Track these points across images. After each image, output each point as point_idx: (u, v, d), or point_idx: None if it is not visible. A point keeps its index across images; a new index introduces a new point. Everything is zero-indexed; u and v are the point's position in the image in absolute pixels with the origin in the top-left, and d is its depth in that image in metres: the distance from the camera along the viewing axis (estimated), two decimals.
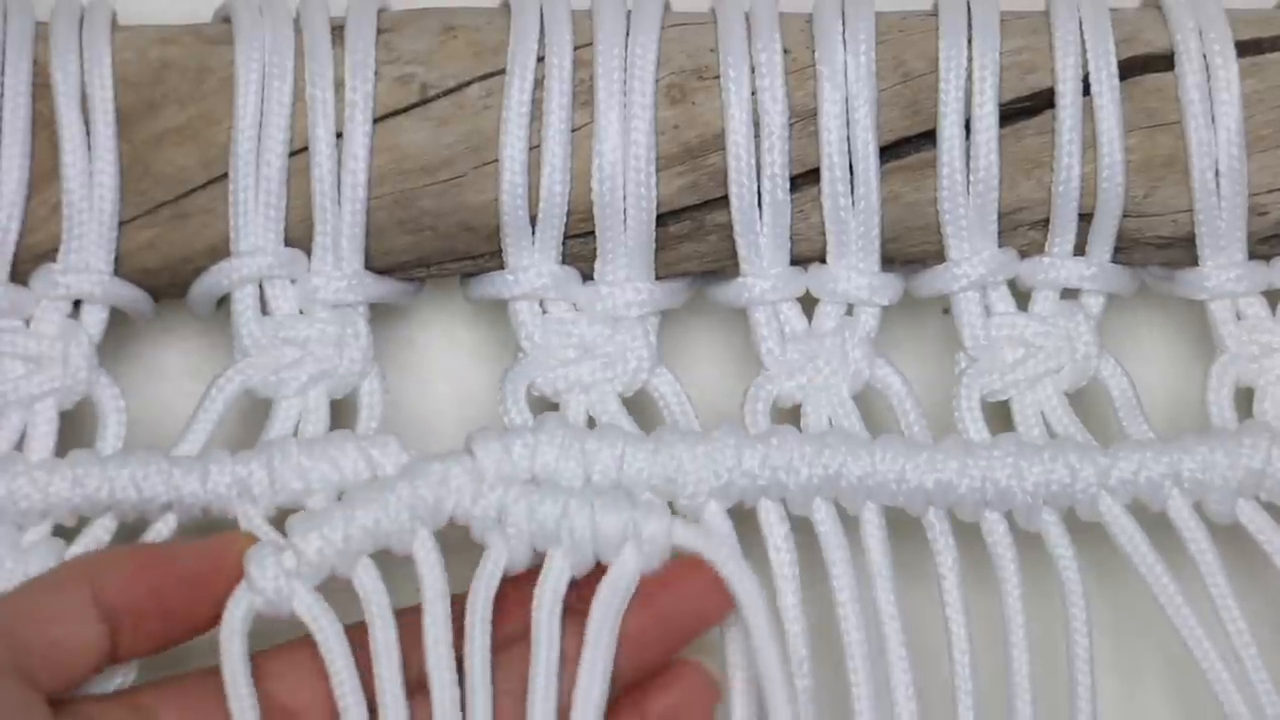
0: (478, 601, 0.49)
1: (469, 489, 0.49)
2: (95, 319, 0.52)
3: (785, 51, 0.53)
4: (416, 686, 0.49)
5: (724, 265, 0.53)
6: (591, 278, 0.53)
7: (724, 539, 0.49)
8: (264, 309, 0.52)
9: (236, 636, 0.48)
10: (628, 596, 0.49)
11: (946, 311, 0.54)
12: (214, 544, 0.49)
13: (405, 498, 0.49)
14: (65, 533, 0.50)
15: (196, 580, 0.48)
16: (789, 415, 0.53)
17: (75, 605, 0.47)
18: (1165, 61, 0.53)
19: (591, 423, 0.52)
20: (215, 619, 0.48)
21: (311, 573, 0.49)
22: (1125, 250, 0.54)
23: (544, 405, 0.52)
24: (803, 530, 0.51)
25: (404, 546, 0.49)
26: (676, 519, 0.49)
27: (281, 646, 0.49)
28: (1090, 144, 0.52)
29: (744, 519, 0.51)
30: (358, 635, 0.49)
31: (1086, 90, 0.53)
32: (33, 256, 0.51)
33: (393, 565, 0.49)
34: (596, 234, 0.52)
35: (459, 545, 0.50)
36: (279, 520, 0.50)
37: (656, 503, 0.50)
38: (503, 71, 0.52)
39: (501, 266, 0.53)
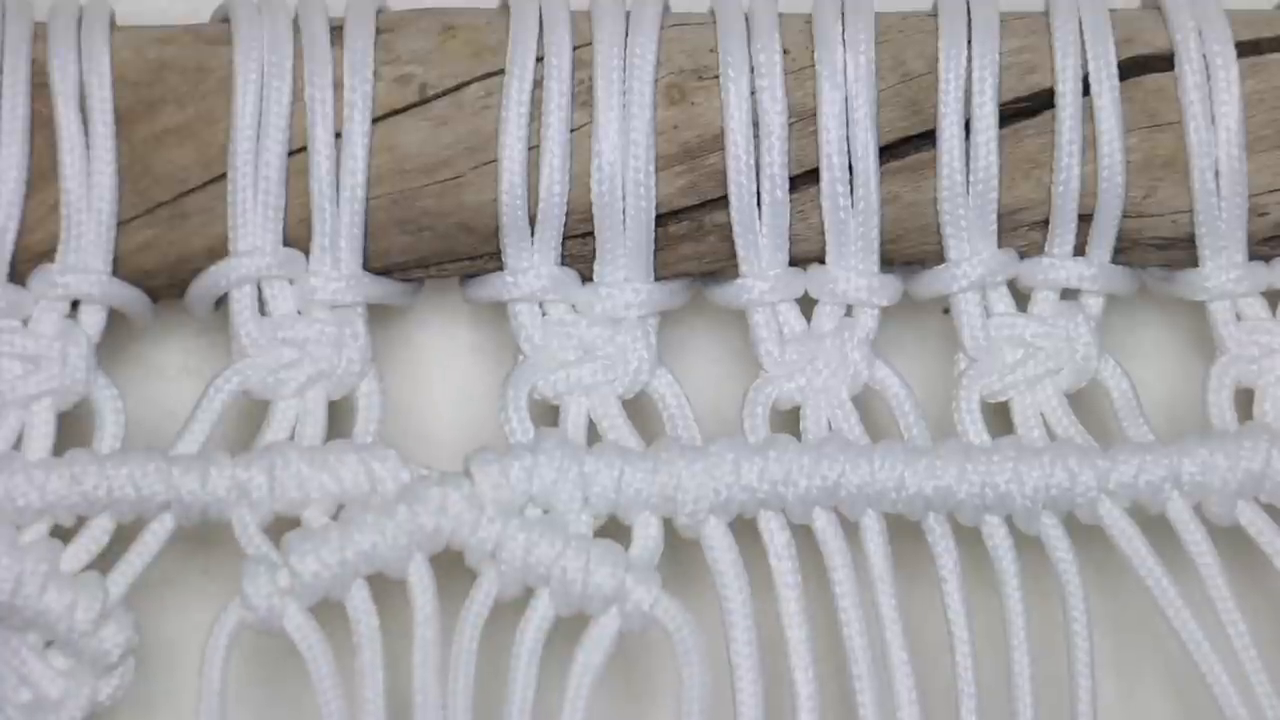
0: (465, 631, 0.49)
1: (468, 517, 0.50)
2: (93, 319, 0.52)
3: (785, 51, 0.52)
4: None
5: (723, 266, 0.53)
6: (590, 279, 0.53)
7: (692, 627, 0.50)
8: (262, 309, 0.52)
9: (221, 651, 0.48)
10: (607, 657, 0.49)
11: (946, 312, 0.54)
12: None
13: (404, 523, 0.49)
14: (63, 534, 0.50)
15: None
16: (788, 417, 0.53)
17: None
18: (1165, 61, 0.53)
19: (592, 426, 0.52)
20: None
21: (305, 593, 0.49)
22: (1125, 251, 0.54)
23: (544, 407, 0.52)
24: (803, 536, 0.51)
25: (399, 571, 0.49)
26: (663, 596, 0.49)
27: None
28: (1090, 144, 0.52)
29: (745, 526, 0.51)
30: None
31: (1086, 90, 0.53)
32: (31, 256, 0.51)
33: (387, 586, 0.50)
34: (595, 234, 0.52)
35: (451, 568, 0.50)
36: (273, 526, 0.50)
37: (650, 562, 0.50)
38: (502, 71, 0.52)
39: (500, 267, 0.53)
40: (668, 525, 0.51)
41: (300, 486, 0.50)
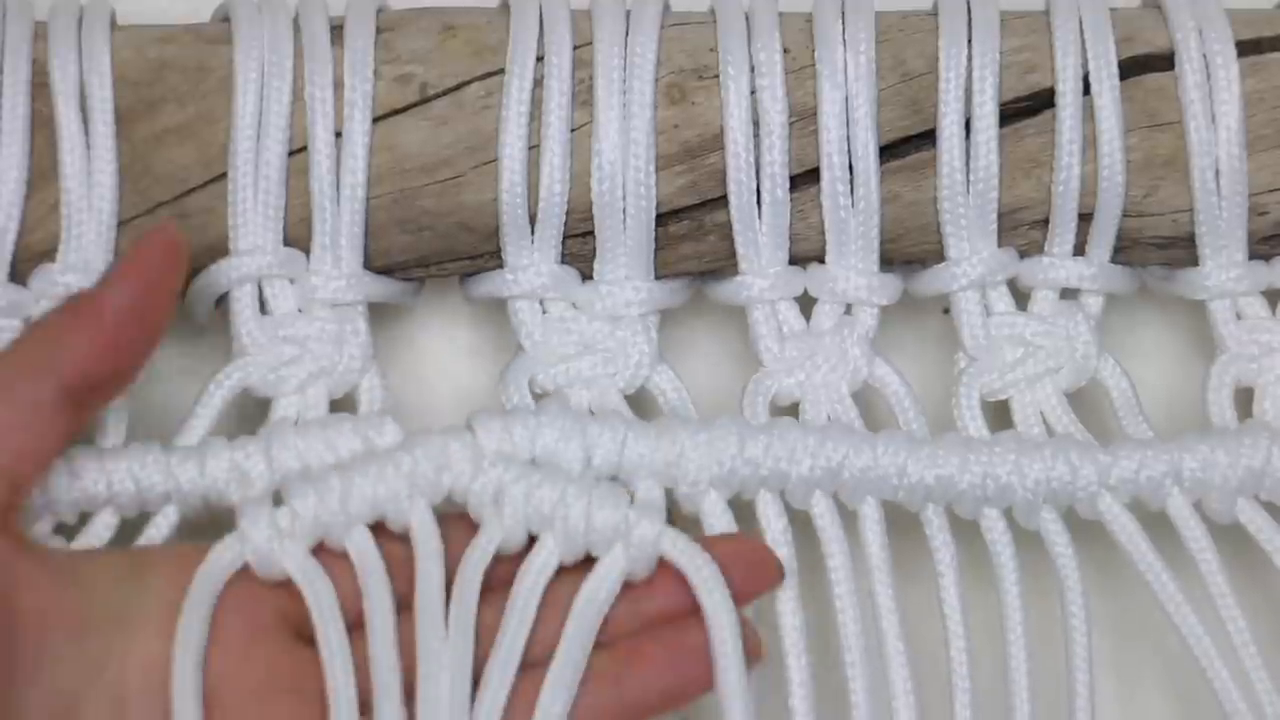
0: (467, 572, 0.49)
1: (469, 465, 0.49)
2: None
3: (785, 51, 0.53)
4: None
5: (723, 265, 0.53)
6: (590, 277, 0.53)
7: (708, 558, 0.49)
8: (263, 308, 0.52)
9: (210, 581, 0.48)
10: (612, 594, 0.49)
11: (947, 311, 0.54)
12: (136, 255, 0.48)
13: (405, 469, 0.49)
14: (67, 531, 0.50)
15: (144, 310, 0.48)
16: (788, 414, 0.53)
17: (35, 404, 0.47)
18: (1165, 61, 0.53)
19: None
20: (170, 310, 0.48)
21: (305, 533, 0.49)
22: (1125, 250, 0.54)
23: None
24: (801, 524, 0.51)
25: (400, 517, 0.49)
26: (668, 529, 0.49)
27: None
28: (1090, 143, 0.52)
29: (742, 515, 0.51)
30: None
31: (1087, 89, 0.53)
32: (32, 256, 0.51)
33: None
34: (596, 233, 0.52)
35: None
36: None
37: (653, 506, 0.50)
38: (502, 71, 0.52)
39: (501, 266, 0.53)
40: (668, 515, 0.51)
41: (298, 459, 0.50)
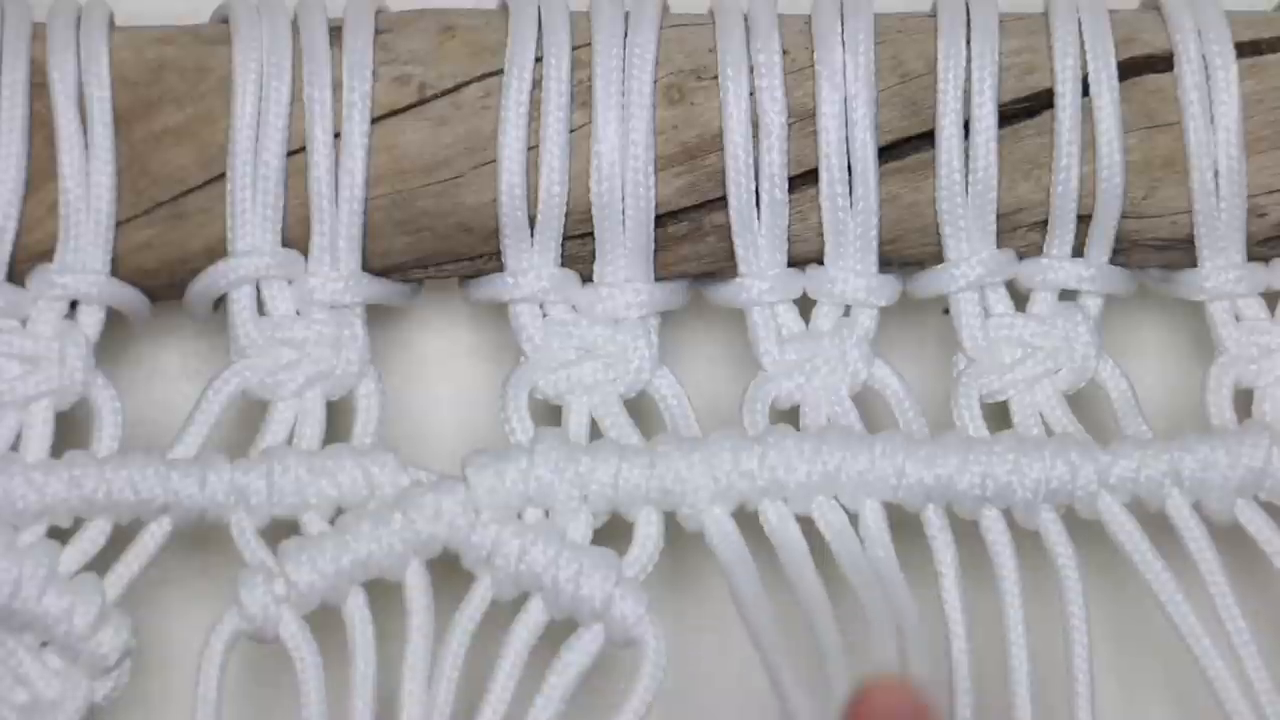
0: (456, 632, 0.49)
1: (463, 521, 0.50)
2: (92, 319, 0.52)
3: (784, 52, 0.52)
4: None
5: (722, 267, 0.53)
6: (590, 279, 0.53)
7: (663, 649, 0.49)
8: (261, 310, 0.52)
9: (217, 659, 0.48)
10: (591, 662, 0.49)
11: (946, 312, 0.54)
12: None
13: (399, 530, 0.49)
14: (61, 534, 0.50)
15: None
16: (788, 417, 0.53)
17: None
18: (1165, 62, 0.53)
19: (594, 426, 0.52)
20: None
21: (301, 601, 0.49)
22: (1124, 251, 0.54)
23: (546, 407, 0.52)
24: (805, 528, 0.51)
25: (397, 576, 0.49)
26: (646, 614, 0.49)
27: None
28: (1089, 145, 0.52)
29: (746, 525, 0.51)
30: None
31: (1086, 91, 0.53)
32: (29, 256, 0.51)
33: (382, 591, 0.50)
34: (595, 235, 0.52)
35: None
36: (271, 530, 0.50)
37: (635, 581, 0.50)
38: (501, 72, 0.52)
39: (500, 268, 0.53)
40: (672, 532, 0.51)
41: (299, 491, 0.50)
